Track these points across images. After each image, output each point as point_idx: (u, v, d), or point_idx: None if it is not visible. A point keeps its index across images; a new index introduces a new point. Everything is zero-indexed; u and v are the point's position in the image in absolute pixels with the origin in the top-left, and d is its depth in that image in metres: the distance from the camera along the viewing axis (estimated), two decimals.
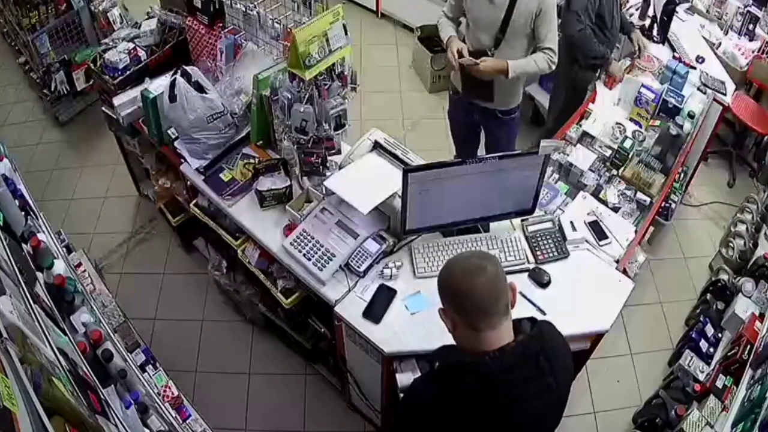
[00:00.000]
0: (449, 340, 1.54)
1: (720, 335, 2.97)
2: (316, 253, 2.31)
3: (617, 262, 2.46)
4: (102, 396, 1.48)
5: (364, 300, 2.27)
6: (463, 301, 1.41)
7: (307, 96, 2.27)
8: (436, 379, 1.57)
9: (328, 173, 2.49)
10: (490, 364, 1.39)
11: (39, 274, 1.72)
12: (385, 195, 2.30)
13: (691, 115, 3.21)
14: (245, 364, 3.15)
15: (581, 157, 2.96)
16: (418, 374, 2.11)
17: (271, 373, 3.11)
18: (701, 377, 2.76)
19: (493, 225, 2.48)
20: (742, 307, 2.93)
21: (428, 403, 1.51)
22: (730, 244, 3.48)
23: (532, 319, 1.51)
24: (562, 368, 1.50)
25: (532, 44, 2.78)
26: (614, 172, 2.94)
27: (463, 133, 3.36)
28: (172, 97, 2.54)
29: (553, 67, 2.77)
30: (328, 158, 2.49)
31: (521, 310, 1.76)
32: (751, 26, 4.02)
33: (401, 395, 2.04)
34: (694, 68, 3.46)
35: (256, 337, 3.24)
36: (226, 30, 2.83)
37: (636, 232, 2.67)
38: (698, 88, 3.39)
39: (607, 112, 3.24)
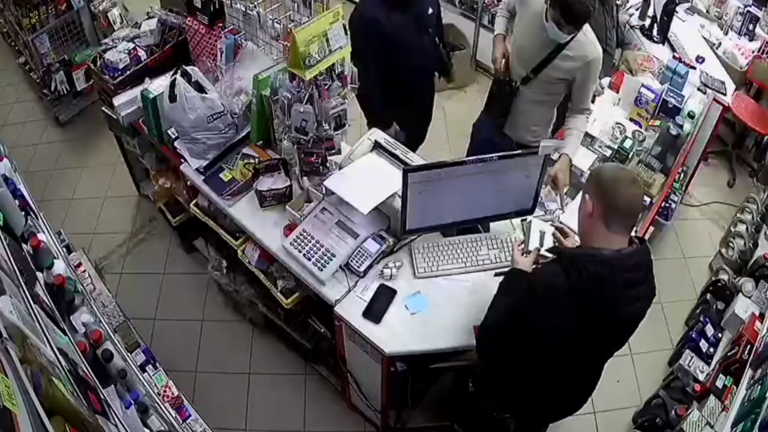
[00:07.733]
0: (448, 339, 1.54)
1: (720, 335, 2.98)
2: (316, 253, 2.31)
3: None
4: (102, 396, 1.48)
5: (364, 300, 2.27)
6: (614, 199, 1.58)
7: (307, 96, 2.27)
8: (562, 263, 1.67)
9: (328, 173, 2.49)
10: (611, 256, 1.58)
11: (39, 274, 1.71)
12: (385, 195, 2.30)
13: (691, 115, 3.21)
14: (245, 364, 3.14)
15: (581, 157, 2.96)
16: None
17: (271, 373, 3.11)
18: (701, 377, 2.76)
19: (493, 225, 2.48)
20: (742, 307, 2.93)
21: (552, 283, 1.64)
22: (730, 244, 3.48)
23: (638, 237, 1.69)
24: (654, 286, 1.71)
25: (553, 93, 2.72)
26: None
27: (477, 151, 3.28)
28: (172, 97, 2.54)
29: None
30: (328, 158, 2.49)
31: None
32: (751, 26, 4.03)
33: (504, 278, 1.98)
34: (694, 68, 3.46)
35: (256, 337, 3.24)
36: (226, 30, 2.82)
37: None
38: (698, 88, 3.39)
39: (607, 112, 3.24)
